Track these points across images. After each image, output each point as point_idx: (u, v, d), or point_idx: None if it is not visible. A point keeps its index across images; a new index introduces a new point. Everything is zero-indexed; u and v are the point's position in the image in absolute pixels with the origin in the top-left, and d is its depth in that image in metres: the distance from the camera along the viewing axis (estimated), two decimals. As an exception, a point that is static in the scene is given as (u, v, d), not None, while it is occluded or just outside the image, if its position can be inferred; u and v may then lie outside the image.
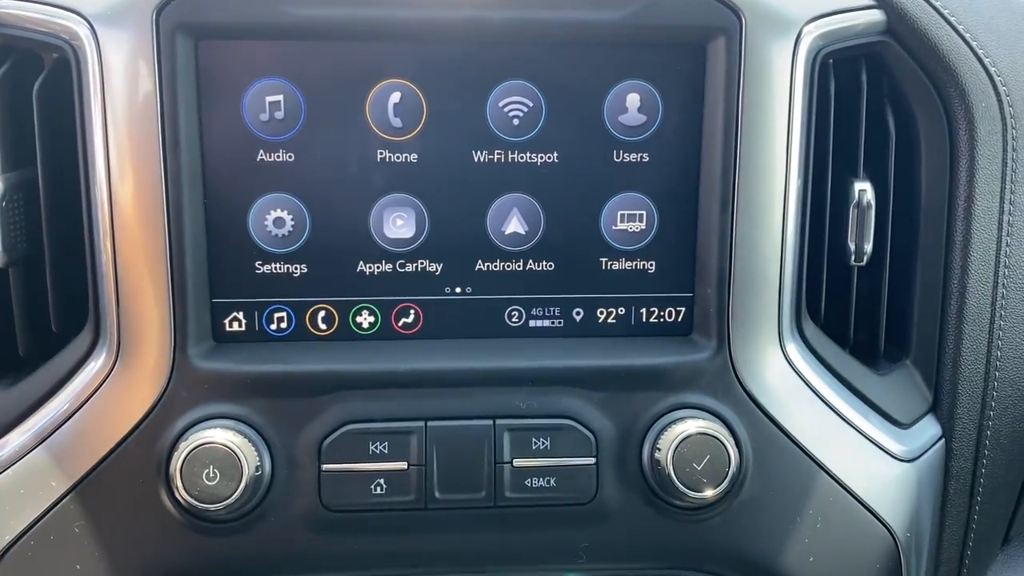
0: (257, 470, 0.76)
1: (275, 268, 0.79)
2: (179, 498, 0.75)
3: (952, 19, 0.80)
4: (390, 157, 0.77)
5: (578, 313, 0.82)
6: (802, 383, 0.81)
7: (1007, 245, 0.82)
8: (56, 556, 0.77)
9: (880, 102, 0.83)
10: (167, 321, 0.76)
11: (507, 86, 0.77)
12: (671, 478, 0.77)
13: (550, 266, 0.81)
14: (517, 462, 0.78)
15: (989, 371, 0.84)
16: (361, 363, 0.78)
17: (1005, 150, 0.81)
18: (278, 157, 0.77)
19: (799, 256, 0.80)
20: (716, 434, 0.77)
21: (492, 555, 0.81)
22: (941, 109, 0.81)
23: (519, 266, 0.80)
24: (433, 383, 0.78)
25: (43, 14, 0.74)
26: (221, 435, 0.75)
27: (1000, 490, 0.88)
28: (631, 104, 0.78)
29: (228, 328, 0.79)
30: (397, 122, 0.77)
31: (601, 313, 0.82)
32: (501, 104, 0.77)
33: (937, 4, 0.80)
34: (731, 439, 0.78)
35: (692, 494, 0.77)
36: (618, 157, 0.79)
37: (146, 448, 0.76)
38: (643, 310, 0.82)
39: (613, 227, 0.80)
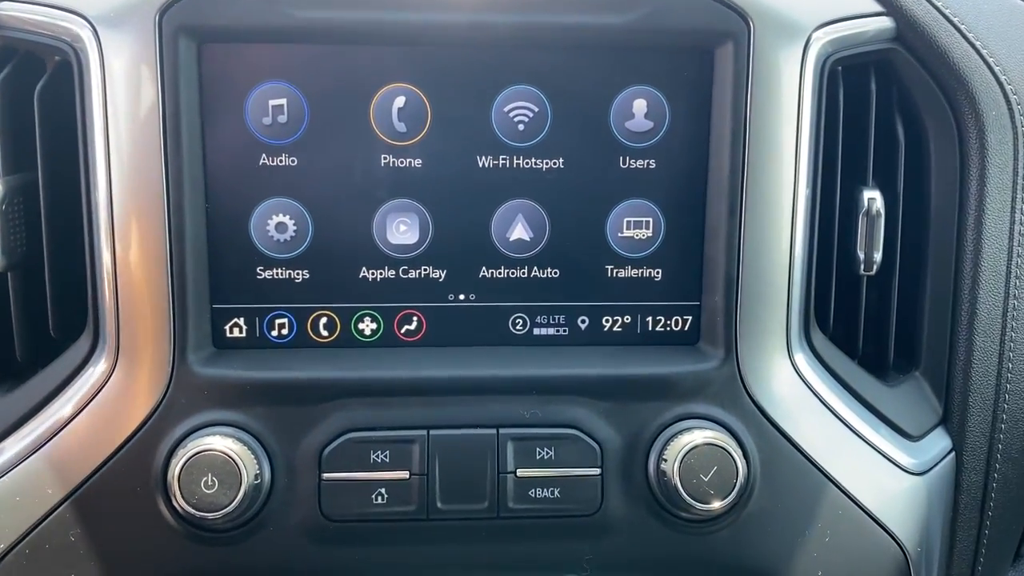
0: (256, 478, 0.75)
1: (277, 274, 0.78)
2: (177, 506, 0.74)
3: (962, 26, 0.80)
4: (394, 162, 0.77)
5: (583, 321, 0.81)
6: (810, 393, 0.80)
7: (1018, 256, 0.82)
8: (51, 565, 0.76)
9: (889, 110, 0.82)
10: (167, 327, 0.75)
11: (512, 91, 0.76)
12: (678, 489, 0.76)
13: (555, 273, 0.80)
14: (521, 472, 0.77)
15: (1000, 383, 0.83)
16: (363, 370, 0.77)
17: (1016, 159, 0.81)
18: (281, 161, 0.76)
19: (808, 265, 0.80)
20: (723, 445, 0.76)
21: (495, 567, 0.80)
22: (951, 117, 0.81)
23: (523, 273, 0.80)
24: (435, 391, 0.78)
25: (45, 16, 0.74)
26: (220, 442, 0.74)
27: (1011, 505, 0.87)
28: (638, 110, 0.77)
29: (228, 334, 0.79)
30: (401, 127, 0.76)
31: (607, 321, 0.81)
32: (506, 109, 0.77)
33: (947, 11, 0.80)
34: (739, 450, 0.77)
35: (699, 506, 0.76)
36: (624, 163, 0.78)
37: (144, 455, 0.75)
38: (649, 318, 0.81)
39: (619, 234, 0.79)
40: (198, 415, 0.76)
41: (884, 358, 0.85)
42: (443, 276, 0.79)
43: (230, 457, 0.73)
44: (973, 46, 0.80)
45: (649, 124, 0.78)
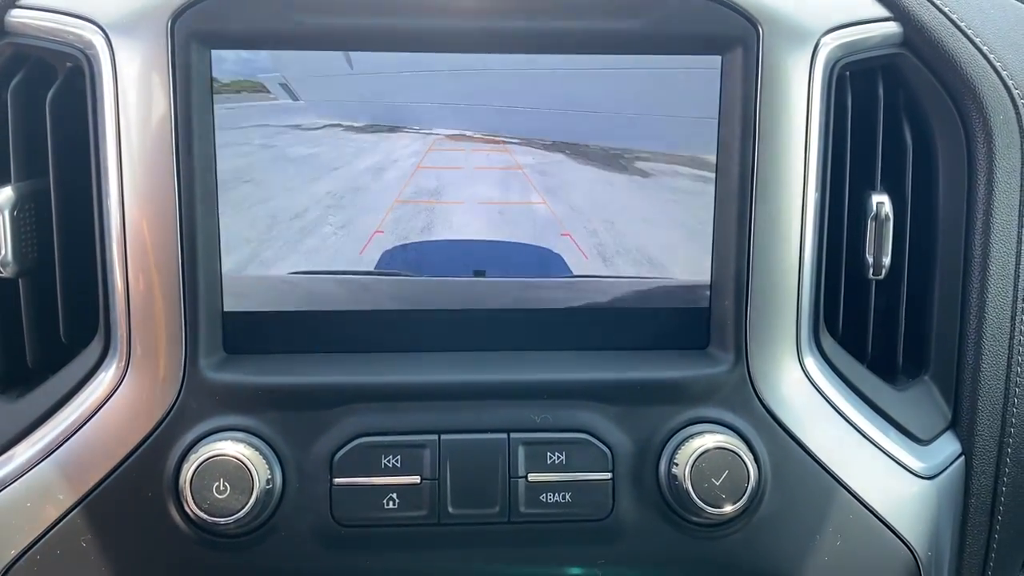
0: (268, 483, 0.75)
1: (288, 277, 0.78)
2: (188, 512, 0.74)
3: (969, 31, 0.80)
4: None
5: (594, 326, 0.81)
6: (820, 397, 0.81)
7: (1027, 259, 0.82)
8: (63, 571, 0.76)
9: (897, 114, 0.83)
10: (178, 332, 0.75)
11: None
12: (689, 494, 0.76)
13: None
14: (532, 477, 0.77)
15: (1009, 387, 0.83)
16: (374, 375, 0.78)
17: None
18: None
19: (817, 269, 0.80)
20: (735, 449, 0.76)
21: (506, 572, 0.80)
22: (959, 121, 0.81)
23: None
24: (447, 396, 0.78)
25: (58, 23, 0.74)
26: (232, 447, 0.74)
27: (1021, 509, 0.87)
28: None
29: (240, 339, 0.79)
30: None
31: (617, 326, 0.81)
32: None
33: (954, 17, 0.80)
34: (749, 454, 0.77)
35: (711, 510, 0.76)
36: None
37: (155, 461, 0.75)
38: (659, 323, 0.81)
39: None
40: (210, 420, 0.76)
41: (893, 362, 0.86)
42: None
43: (242, 462, 0.74)
44: (980, 51, 0.80)
45: None
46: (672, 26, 0.75)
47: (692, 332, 0.81)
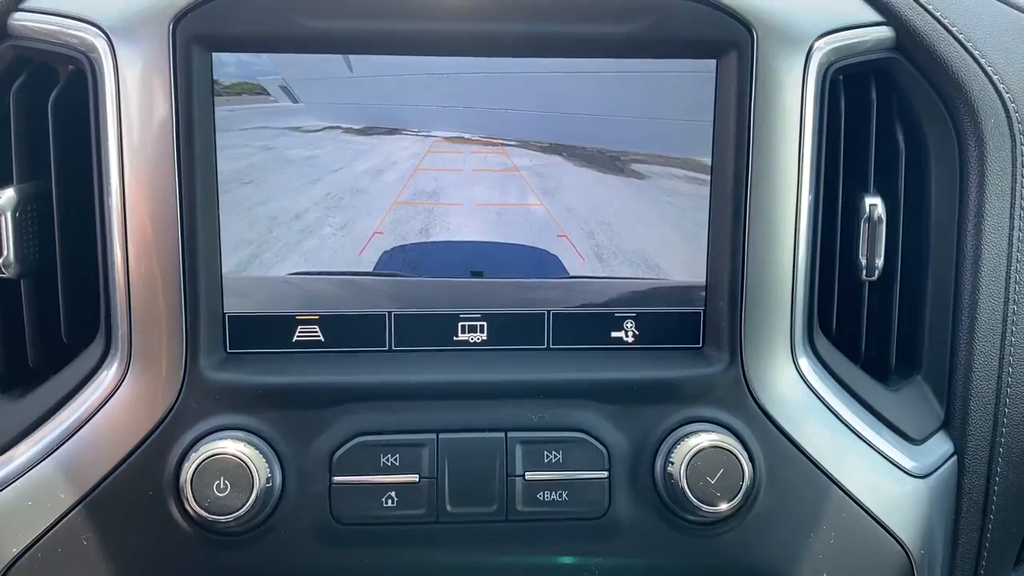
0: (268, 482, 0.75)
1: (289, 279, 0.79)
2: (189, 510, 0.75)
3: (960, 36, 0.81)
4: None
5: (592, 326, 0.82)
6: (814, 397, 0.81)
7: (1017, 261, 0.83)
8: (64, 569, 0.77)
9: (890, 118, 0.84)
10: (179, 332, 0.76)
11: None
12: (685, 492, 0.77)
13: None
14: (529, 475, 0.78)
15: (1000, 387, 0.84)
16: (373, 375, 0.78)
17: (1015, 165, 0.82)
18: None
19: (811, 270, 0.81)
20: (730, 447, 0.77)
21: (504, 569, 0.81)
22: (950, 125, 0.82)
23: None
24: (445, 395, 0.78)
25: (60, 26, 0.75)
26: (232, 446, 0.75)
27: (1013, 508, 0.88)
28: None
29: (240, 339, 0.79)
30: None
31: (614, 326, 0.82)
32: None
33: (946, 21, 0.81)
34: (744, 453, 0.78)
35: (706, 508, 0.77)
36: None
37: (156, 459, 0.76)
38: (656, 324, 0.82)
39: None
40: (210, 419, 0.76)
41: (886, 362, 0.86)
42: None
43: (242, 461, 0.74)
44: (971, 55, 0.81)
45: None
46: (668, 30, 0.76)
47: (687, 332, 0.82)
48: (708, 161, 0.79)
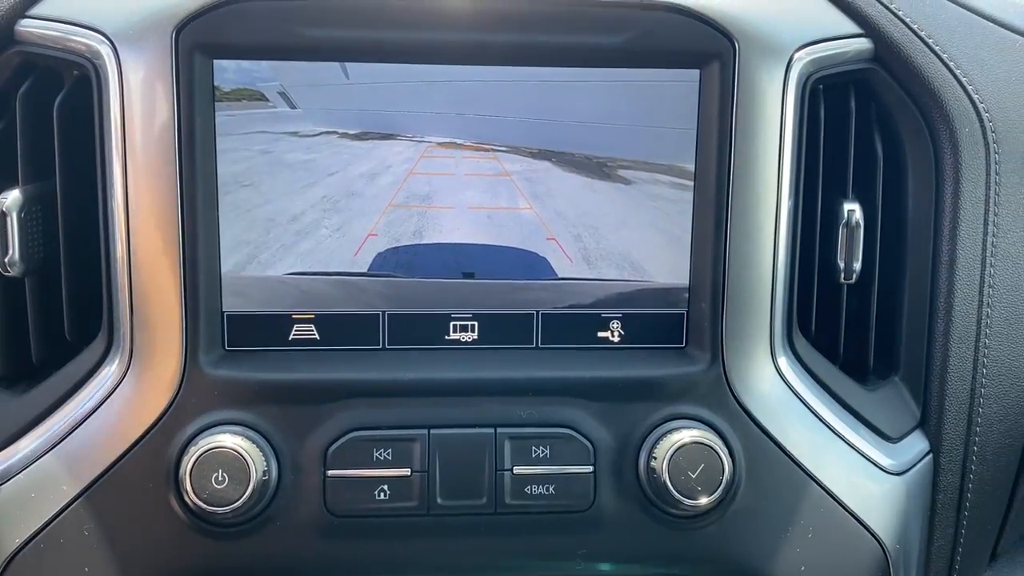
0: (264, 475, 0.77)
1: (287, 278, 0.81)
2: (188, 501, 0.77)
3: (937, 48, 0.83)
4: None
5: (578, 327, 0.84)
6: (793, 396, 0.83)
7: (991, 266, 0.84)
8: (65, 559, 0.78)
9: (868, 126, 0.85)
10: (179, 330, 0.77)
11: None
12: (667, 486, 0.79)
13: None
14: (517, 470, 0.80)
15: (975, 388, 0.85)
16: (368, 372, 0.80)
17: (988, 174, 0.84)
18: None
19: (790, 274, 0.82)
20: (710, 443, 0.79)
21: (492, 561, 0.83)
22: (927, 133, 0.84)
23: None
24: (436, 392, 0.80)
25: (66, 33, 0.76)
26: (230, 440, 0.76)
27: (987, 505, 0.90)
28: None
29: (239, 337, 0.81)
30: None
31: (600, 326, 0.84)
32: None
33: (923, 34, 0.83)
34: (724, 449, 0.80)
35: (687, 502, 0.79)
36: None
37: (157, 452, 0.77)
38: (640, 324, 0.84)
39: None
40: (209, 414, 0.78)
41: (864, 363, 0.88)
42: None
43: (240, 454, 0.76)
44: (947, 66, 0.83)
45: None
46: (653, 41, 0.77)
47: (671, 333, 0.84)
48: (691, 167, 0.81)
